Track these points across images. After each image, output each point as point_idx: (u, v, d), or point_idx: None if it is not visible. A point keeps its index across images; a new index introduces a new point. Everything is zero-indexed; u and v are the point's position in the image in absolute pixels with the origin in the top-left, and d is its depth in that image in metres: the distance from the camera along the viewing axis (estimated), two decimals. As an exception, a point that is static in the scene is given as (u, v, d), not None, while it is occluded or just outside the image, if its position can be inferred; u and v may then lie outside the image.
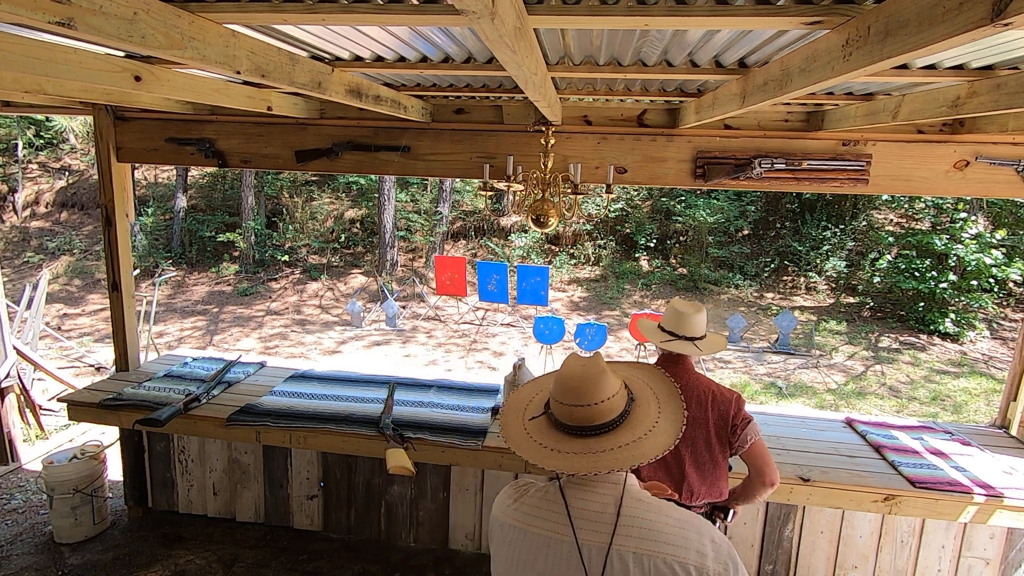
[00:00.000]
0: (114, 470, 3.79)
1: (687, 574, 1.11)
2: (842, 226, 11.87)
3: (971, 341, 9.64)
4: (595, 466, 1.14)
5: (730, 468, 2.20)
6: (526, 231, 12.92)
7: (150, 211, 13.19)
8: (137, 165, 13.17)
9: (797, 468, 2.77)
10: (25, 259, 12.62)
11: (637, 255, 12.58)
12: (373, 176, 12.70)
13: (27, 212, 14.02)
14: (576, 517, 1.18)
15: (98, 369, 7.34)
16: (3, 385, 4.34)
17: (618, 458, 1.15)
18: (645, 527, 1.15)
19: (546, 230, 3.09)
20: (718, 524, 2.20)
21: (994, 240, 9.92)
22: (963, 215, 10.06)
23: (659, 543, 1.13)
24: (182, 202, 13.09)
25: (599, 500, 1.19)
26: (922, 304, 10.05)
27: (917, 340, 9.69)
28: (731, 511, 2.20)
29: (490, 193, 3.07)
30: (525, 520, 1.22)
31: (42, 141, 15.03)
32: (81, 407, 3.26)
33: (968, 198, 10.20)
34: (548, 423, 1.26)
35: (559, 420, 1.22)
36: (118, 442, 3.76)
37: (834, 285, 11.48)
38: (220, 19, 1.48)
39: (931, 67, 1.88)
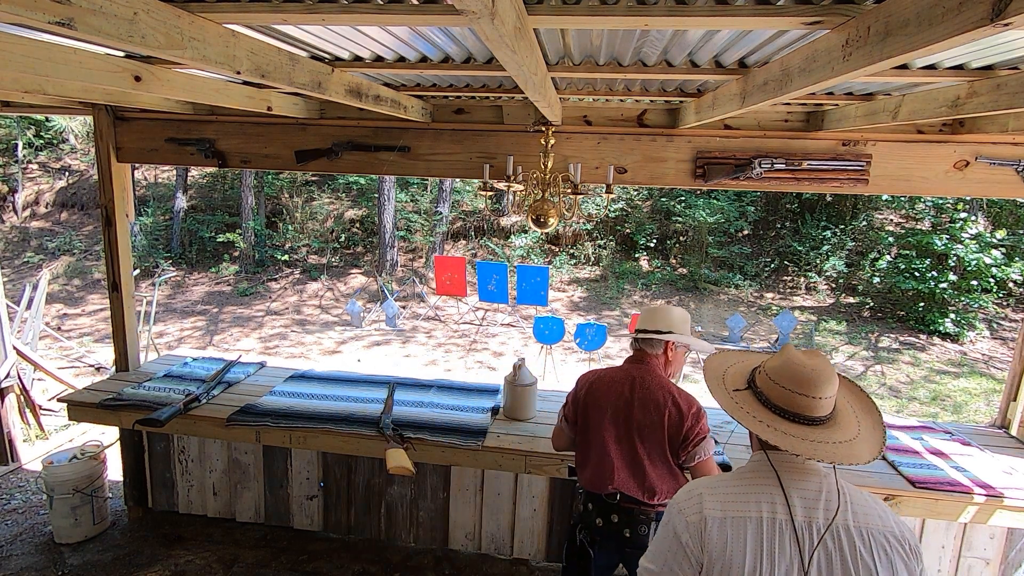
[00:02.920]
0: (114, 470, 3.79)
1: (896, 542, 1.24)
2: (842, 226, 11.87)
3: (971, 341, 9.64)
4: (815, 453, 1.25)
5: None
6: (526, 231, 12.92)
7: (150, 211, 13.19)
8: (137, 165, 13.17)
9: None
10: (25, 259, 12.62)
11: (637, 255, 12.58)
12: (373, 176, 12.70)
13: (27, 212, 14.02)
14: (792, 494, 1.27)
15: (98, 369, 7.34)
16: (3, 385, 4.34)
17: (834, 452, 1.26)
18: (859, 504, 1.27)
19: (546, 230, 3.09)
20: None
21: (994, 240, 9.92)
22: (963, 215, 10.07)
23: (871, 516, 1.26)
24: (182, 202, 13.10)
25: (814, 481, 1.29)
26: (922, 304, 10.05)
27: (917, 340, 9.69)
28: None
29: (490, 193, 3.07)
30: (740, 508, 1.29)
31: (42, 141, 15.03)
32: (81, 407, 3.26)
33: (968, 198, 10.21)
34: (754, 399, 1.36)
35: (771, 400, 1.32)
36: (118, 442, 3.76)
37: (834, 285, 11.48)
38: (220, 19, 1.48)
39: (931, 67, 1.88)
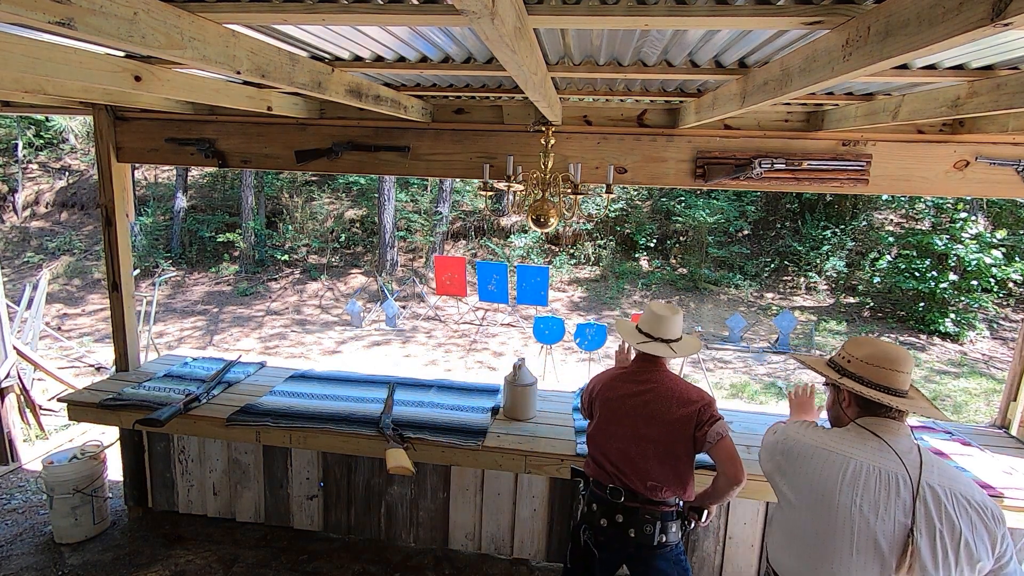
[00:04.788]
0: (114, 470, 3.79)
1: (979, 506, 1.51)
2: (842, 226, 11.87)
3: (971, 341, 9.64)
4: (912, 407, 1.63)
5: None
6: (526, 231, 12.92)
7: (150, 211, 13.19)
8: (137, 165, 13.17)
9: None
10: (25, 259, 12.62)
11: (637, 255, 12.58)
12: (373, 176, 12.70)
13: (27, 212, 14.03)
14: (894, 447, 1.58)
15: (98, 369, 7.34)
16: (3, 385, 4.34)
17: (923, 408, 1.65)
18: (943, 469, 1.56)
19: (546, 230, 3.09)
20: (693, 525, 2.23)
21: (994, 240, 9.92)
22: (963, 215, 10.06)
23: (956, 482, 1.54)
24: (182, 202, 13.10)
25: (905, 442, 1.60)
26: (922, 304, 10.05)
27: (917, 340, 9.69)
28: (705, 512, 2.22)
29: (490, 193, 3.07)
30: (839, 447, 1.63)
31: (42, 141, 15.03)
32: (81, 407, 3.26)
33: (968, 198, 10.21)
34: (856, 383, 1.67)
35: (870, 380, 1.65)
36: (118, 442, 3.76)
37: (834, 285, 11.48)
38: (220, 19, 1.48)
39: (931, 67, 1.88)
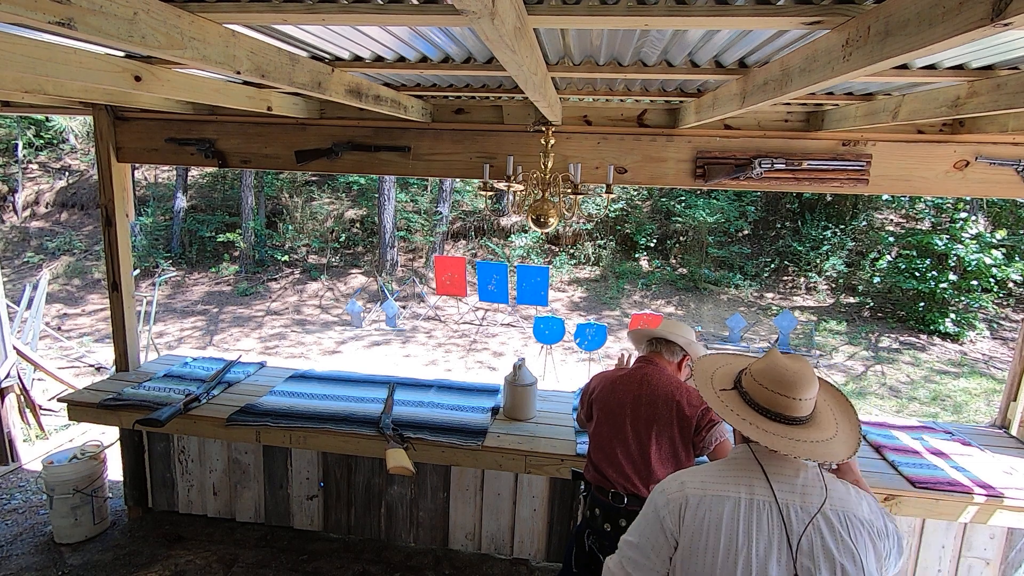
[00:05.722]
0: (114, 470, 3.79)
1: (866, 524, 1.33)
2: (842, 226, 11.87)
3: (971, 341, 9.64)
4: (794, 451, 1.34)
5: None
6: (526, 231, 12.92)
7: (150, 211, 13.19)
8: (137, 165, 13.17)
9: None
10: (25, 259, 12.62)
11: (637, 255, 12.58)
12: (373, 176, 12.70)
13: (27, 212, 14.03)
14: (775, 481, 1.36)
15: (98, 369, 7.34)
16: (3, 385, 4.34)
17: (812, 451, 1.35)
18: (836, 491, 1.36)
19: (546, 230, 3.09)
20: None
21: (994, 240, 9.92)
22: (963, 215, 10.06)
23: (846, 501, 1.35)
24: (182, 202, 13.10)
25: (791, 468, 1.37)
26: (922, 304, 10.05)
27: (917, 340, 9.69)
28: None
29: (490, 193, 3.07)
30: (720, 488, 1.37)
31: (42, 141, 15.04)
32: (81, 407, 3.26)
33: (968, 198, 10.20)
34: (740, 399, 1.45)
35: (755, 400, 1.42)
36: (118, 442, 3.76)
37: (834, 285, 11.48)
38: (220, 19, 1.48)
39: (931, 67, 1.88)
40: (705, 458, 2.21)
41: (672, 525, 1.36)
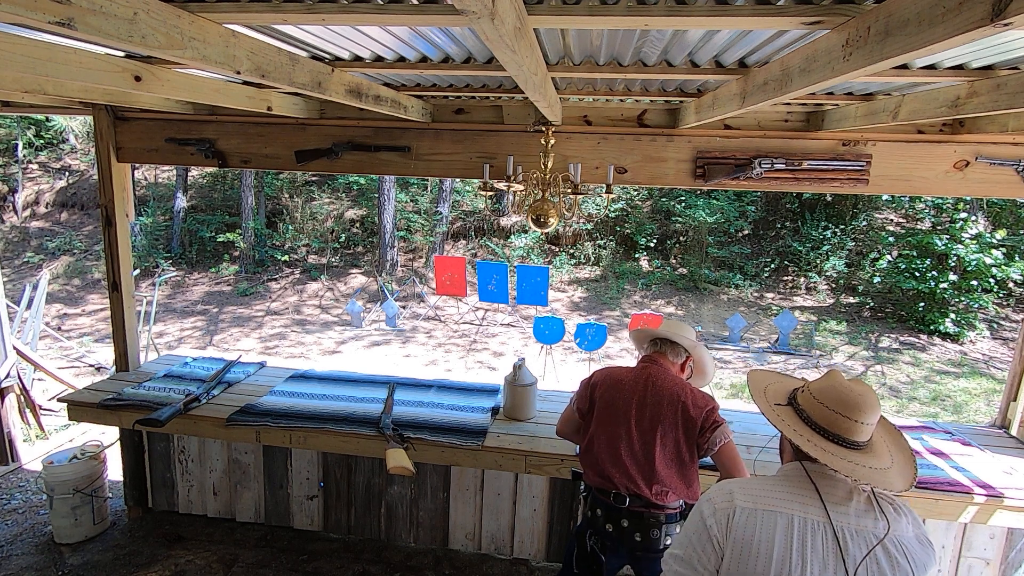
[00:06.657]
0: (114, 470, 3.79)
1: (920, 543, 1.32)
2: (842, 226, 11.87)
3: (971, 341, 9.64)
4: (854, 474, 1.31)
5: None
6: (526, 231, 12.92)
7: (150, 211, 13.19)
8: (137, 165, 13.17)
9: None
10: (25, 259, 12.62)
11: (637, 255, 12.58)
12: (373, 176, 12.70)
13: (27, 212, 14.03)
14: (829, 503, 1.33)
15: (98, 369, 7.34)
16: (3, 385, 4.34)
17: (871, 476, 1.32)
18: (892, 515, 1.34)
19: (546, 230, 3.09)
20: None
21: (994, 240, 9.92)
22: (963, 215, 10.06)
23: (901, 524, 1.33)
24: (182, 202, 13.10)
25: (843, 490, 1.34)
26: (922, 304, 10.04)
27: (917, 340, 9.69)
28: None
29: (490, 193, 3.07)
30: (772, 504, 1.35)
31: (42, 141, 15.03)
32: (81, 407, 3.26)
33: (968, 198, 10.21)
34: (795, 415, 1.44)
35: (811, 418, 1.40)
36: (118, 442, 3.76)
37: (834, 285, 11.48)
38: (220, 19, 1.48)
39: (931, 67, 1.88)
40: (709, 459, 2.20)
41: (719, 533, 1.35)
